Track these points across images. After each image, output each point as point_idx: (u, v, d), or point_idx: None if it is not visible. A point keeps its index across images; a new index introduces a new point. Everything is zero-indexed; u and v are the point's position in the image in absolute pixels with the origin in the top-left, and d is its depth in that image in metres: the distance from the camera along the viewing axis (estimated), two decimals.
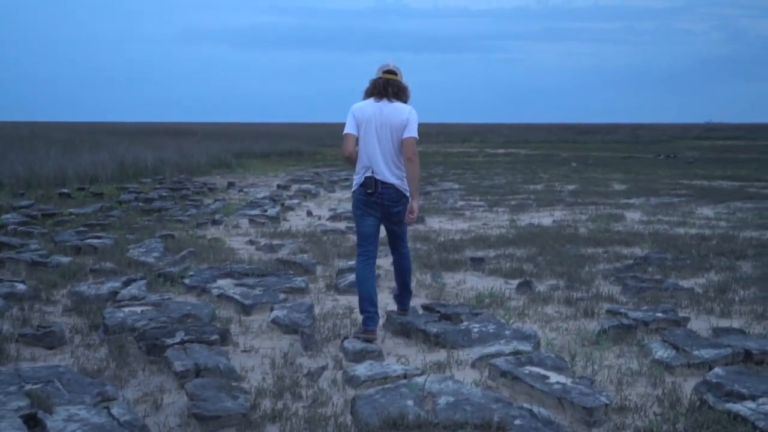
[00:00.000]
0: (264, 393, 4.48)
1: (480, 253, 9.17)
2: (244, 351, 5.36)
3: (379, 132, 5.39)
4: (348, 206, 14.27)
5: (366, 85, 5.62)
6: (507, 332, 5.48)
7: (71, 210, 12.76)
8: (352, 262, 8.32)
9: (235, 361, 5.04)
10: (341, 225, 11.84)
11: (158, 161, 22.57)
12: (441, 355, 5.21)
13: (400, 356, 5.21)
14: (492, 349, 5.10)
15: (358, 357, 5.09)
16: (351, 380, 4.61)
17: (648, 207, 14.22)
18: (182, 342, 5.13)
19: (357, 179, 5.50)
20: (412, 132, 5.45)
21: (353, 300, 6.60)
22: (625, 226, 11.51)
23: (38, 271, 7.98)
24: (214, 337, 5.29)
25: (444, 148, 45.82)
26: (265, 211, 13.28)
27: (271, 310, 6.15)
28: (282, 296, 6.77)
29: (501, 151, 42.35)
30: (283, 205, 14.30)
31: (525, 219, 12.61)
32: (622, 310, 6.08)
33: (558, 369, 4.62)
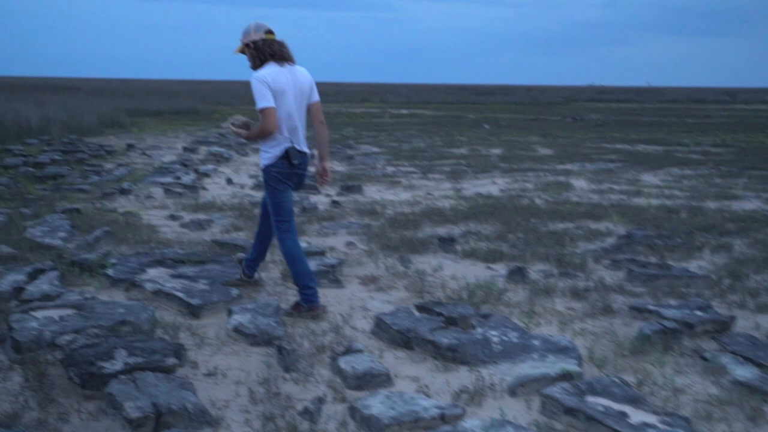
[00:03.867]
0: None
1: (441, 231, 8.12)
2: (208, 375, 4.11)
3: (294, 100, 5.10)
4: None
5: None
6: (535, 342, 4.43)
7: None
8: (301, 244, 7.12)
9: (201, 392, 3.79)
10: None
11: (43, 120, 20.36)
12: (462, 375, 4.12)
13: (412, 379, 4.08)
14: (531, 369, 4.04)
15: (363, 382, 3.93)
16: (368, 423, 3.45)
17: (588, 174, 13.50)
18: (128, 369, 3.83)
19: (275, 152, 5.11)
20: (318, 95, 5.32)
21: (321, 294, 5.46)
22: (580, 197, 10.68)
23: None
24: (171, 360, 4.00)
25: (345, 108, 44.51)
26: (179, 178, 11.80)
27: (230, 313, 4.88)
28: (234, 291, 5.50)
29: (405, 111, 41.45)
30: (197, 171, 12.81)
31: (468, 188, 11.63)
32: (650, 307, 5.14)
33: (632, 401, 3.60)
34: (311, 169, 6.35)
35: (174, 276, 5.85)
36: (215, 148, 16.98)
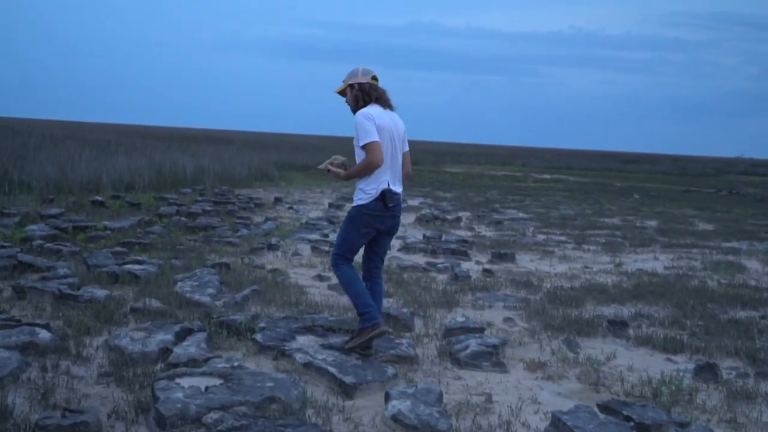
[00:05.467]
0: None
1: (608, 311, 7.41)
2: None
3: (393, 143, 5.17)
4: (417, 235, 12.57)
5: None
6: None
7: (106, 223, 11.13)
8: (457, 317, 6.63)
9: None
10: (419, 259, 10.11)
11: (198, 170, 20.99)
12: None
13: None
14: None
15: None
16: None
17: (760, 254, 12.34)
18: None
19: (371, 191, 5.11)
20: (408, 145, 5.41)
21: (484, 379, 4.95)
22: (757, 281, 9.65)
23: (67, 307, 6.33)
24: None
25: (487, 170, 44.06)
26: (326, 236, 11.59)
27: (387, 398, 4.39)
28: (390, 370, 5.03)
29: (547, 176, 40.55)
30: None
31: (629, 263, 10.80)
32: None
33: None
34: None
35: (325, 347, 5.45)
36: None
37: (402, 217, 15.05)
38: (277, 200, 17.48)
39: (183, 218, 12.42)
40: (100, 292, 6.69)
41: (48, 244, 8.94)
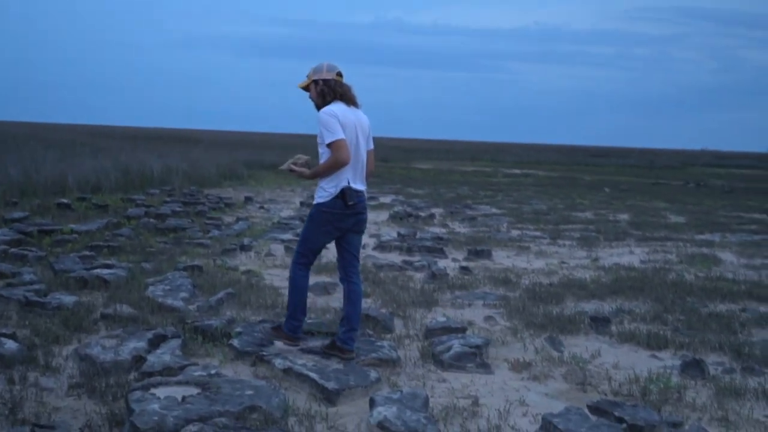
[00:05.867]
0: None
1: (588, 306, 7.32)
2: None
3: (357, 140, 5.12)
4: (390, 233, 12.42)
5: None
6: None
7: (72, 226, 10.84)
8: (437, 316, 6.51)
9: None
10: (394, 257, 9.97)
11: (165, 170, 20.63)
12: None
13: None
14: None
15: None
16: None
17: (734, 246, 12.37)
18: None
19: (331, 190, 5.06)
20: (372, 143, 5.35)
21: (469, 381, 4.86)
22: (734, 273, 9.63)
23: (34, 314, 6.10)
24: None
25: (456, 166, 44.06)
26: (298, 235, 11.37)
27: (372, 404, 4.23)
28: (373, 374, 4.88)
29: (517, 171, 40.62)
30: None
31: (605, 257, 10.75)
32: None
33: None
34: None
35: (304, 351, 5.29)
36: None
37: (375, 215, 14.92)
38: (248, 199, 17.25)
39: (152, 220, 12.16)
40: (69, 299, 6.46)
41: (12, 249, 8.66)
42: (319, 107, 5.16)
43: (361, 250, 10.49)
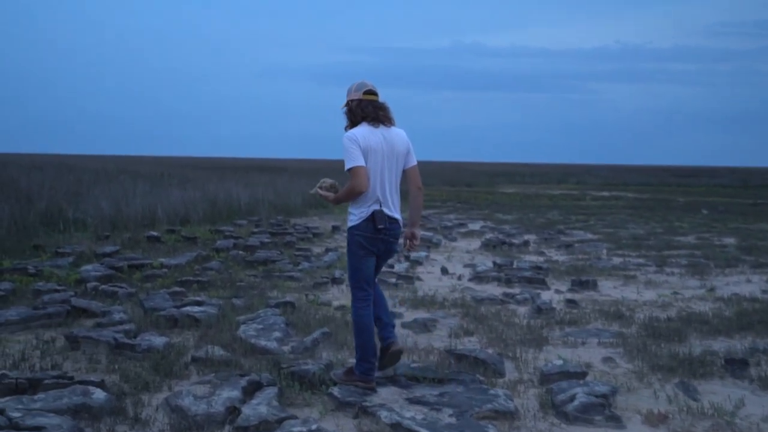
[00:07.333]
0: None
1: (717, 345, 6.63)
2: None
3: (387, 162, 4.96)
4: (486, 262, 11.87)
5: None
6: None
7: (162, 260, 10.68)
8: (551, 357, 5.94)
9: None
10: (493, 289, 9.42)
11: (252, 200, 20.60)
12: None
13: None
14: None
15: None
16: None
17: None
18: None
19: (360, 214, 4.97)
20: (415, 159, 5.18)
21: None
22: None
23: (123, 358, 5.81)
24: None
25: (542, 189, 43.12)
26: (392, 266, 10.96)
27: None
28: (490, 430, 4.35)
29: (605, 193, 39.46)
30: (407, 258, 11.94)
31: (721, 287, 9.94)
32: None
33: None
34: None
35: (411, 401, 4.82)
36: (422, 232, 16.13)
37: (466, 243, 14.37)
38: (335, 228, 16.94)
39: (241, 252, 11.93)
40: (159, 340, 6.16)
41: (103, 286, 8.48)
42: (346, 129, 5.10)
43: (459, 282, 10.04)
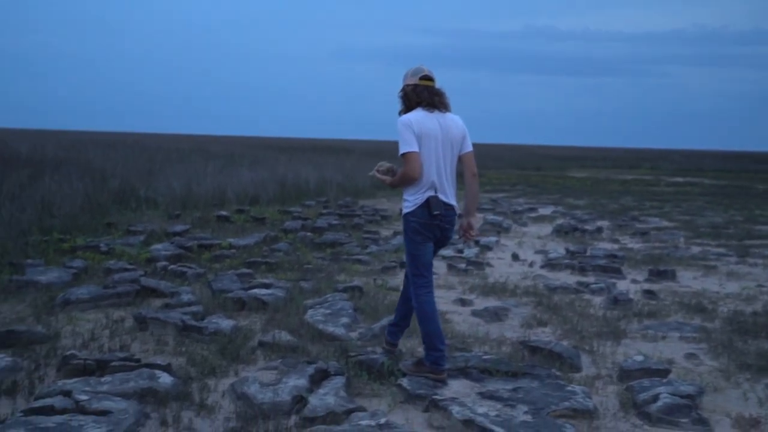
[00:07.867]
0: None
1: None
2: None
3: (442, 148, 4.89)
4: (558, 249, 11.54)
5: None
6: None
7: (231, 240, 10.67)
8: (630, 352, 5.66)
9: None
10: (567, 278, 9.11)
11: (321, 181, 20.58)
12: None
13: None
14: None
15: None
16: None
17: None
18: None
19: (415, 200, 4.89)
20: (471, 145, 5.07)
21: None
22: None
23: (190, 340, 5.75)
24: None
25: (614, 174, 42.10)
26: (461, 251, 10.73)
27: None
28: (568, 429, 4.13)
29: (680, 179, 38.29)
30: (478, 243, 11.69)
31: None
32: None
33: None
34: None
35: (483, 395, 4.61)
36: (491, 217, 15.86)
37: (537, 228, 14.08)
38: None
39: (309, 233, 11.86)
40: (226, 323, 6.08)
41: (172, 266, 8.49)
42: (401, 114, 5.04)
43: (530, 269, 9.77)
